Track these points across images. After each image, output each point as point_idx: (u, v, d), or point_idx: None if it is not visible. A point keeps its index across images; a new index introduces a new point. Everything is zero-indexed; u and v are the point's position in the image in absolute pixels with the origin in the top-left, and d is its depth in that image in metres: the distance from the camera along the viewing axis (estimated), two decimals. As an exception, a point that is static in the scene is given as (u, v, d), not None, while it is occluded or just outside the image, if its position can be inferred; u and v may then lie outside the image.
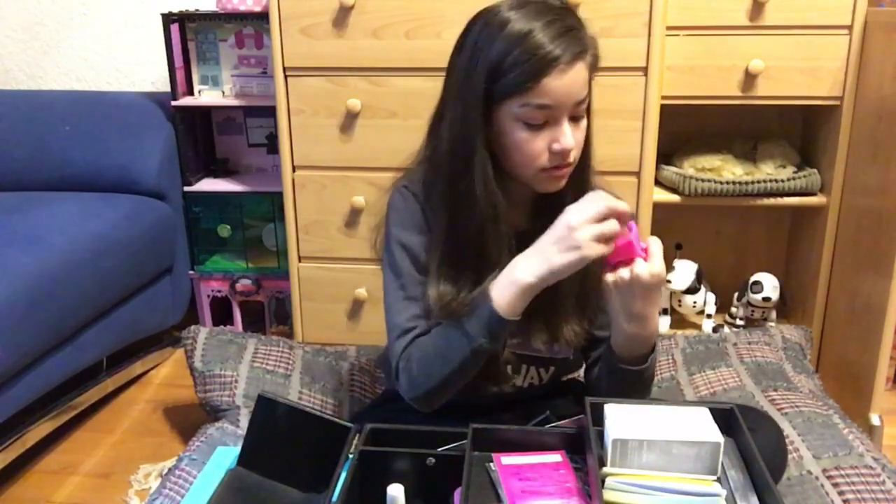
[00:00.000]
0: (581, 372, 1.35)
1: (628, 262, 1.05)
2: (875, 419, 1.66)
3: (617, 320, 1.11)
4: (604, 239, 1.02)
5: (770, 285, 1.95)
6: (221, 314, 2.28)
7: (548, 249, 1.04)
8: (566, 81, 1.04)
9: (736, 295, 2.02)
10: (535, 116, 1.06)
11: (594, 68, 1.10)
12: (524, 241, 1.12)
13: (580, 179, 1.16)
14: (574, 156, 1.11)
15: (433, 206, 1.17)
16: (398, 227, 1.19)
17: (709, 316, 1.98)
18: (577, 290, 1.20)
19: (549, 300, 1.18)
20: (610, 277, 1.06)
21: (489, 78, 1.05)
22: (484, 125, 1.08)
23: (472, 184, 1.10)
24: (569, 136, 1.07)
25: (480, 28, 1.07)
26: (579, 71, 1.06)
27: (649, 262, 1.04)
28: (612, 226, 1.02)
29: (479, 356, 1.10)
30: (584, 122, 1.11)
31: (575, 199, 1.11)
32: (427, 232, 1.18)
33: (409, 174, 1.22)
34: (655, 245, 1.06)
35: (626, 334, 1.12)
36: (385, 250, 1.22)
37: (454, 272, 1.14)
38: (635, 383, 1.17)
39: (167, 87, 2.11)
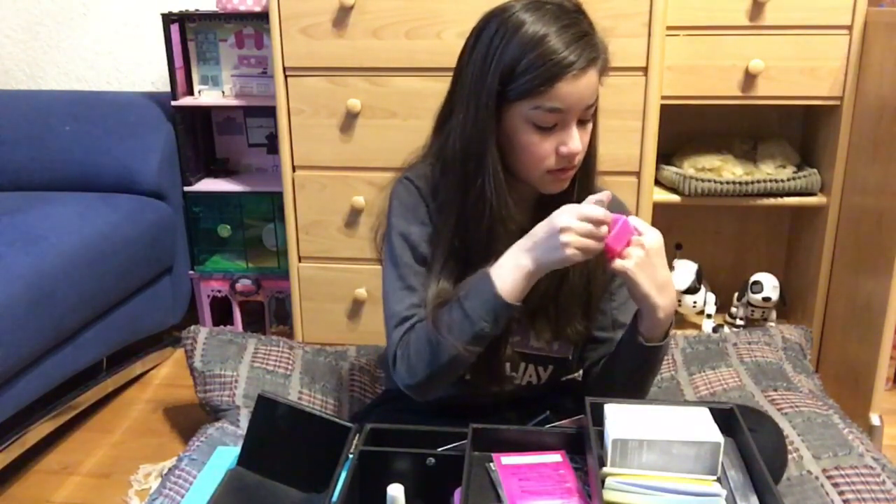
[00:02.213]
0: (580, 373, 1.35)
1: (629, 244, 1.07)
2: (875, 419, 1.66)
3: (646, 303, 1.09)
4: (586, 251, 1.04)
5: (770, 285, 1.95)
6: (221, 314, 2.28)
7: (540, 244, 1.06)
8: (579, 87, 1.05)
9: (736, 295, 2.02)
10: (546, 119, 1.07)
11: (604, 72, 1.11)
12: None
13: (585, 181, 1.17)
14: (580, 158, 1.12)
15: (440, 204, 1.17)
16: (400, 217, 1.19)
17: (709, 316, 1.98)
18: (583, 288, 1.21)
19: (554, 297, 1.19)
20: (630, 263, 1.06)
21: (503, 79, 1.06)
22: (495, 125, 1.09)
23: (483, 183, 1.10)
24: (576, 140, 1.09)
25: (495, 28, 1.08)
26: (591, 77, 1.07)
27: (646, 233, 1.07)
28: (597, 246, 1.04)
29: (480, 341, 1.10)
30: (590, 125, 1.13)
31: (579, 199, 1.11)
32: (429, 224, 1.18)
33: (413, 166, 1.23)
34: (634, 219, 1.09)
35: (661, 311, 1.10)
36: (385, 240, 1.22)
37: (460, 271, 1.15)
38: (657, 362, 1.18)
39: (167, 87, 2.11)
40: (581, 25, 1.07)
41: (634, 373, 1.18)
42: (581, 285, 1.20)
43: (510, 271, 1.08)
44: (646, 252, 1.06)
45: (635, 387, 1.19)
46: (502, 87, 1.06)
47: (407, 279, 1.17)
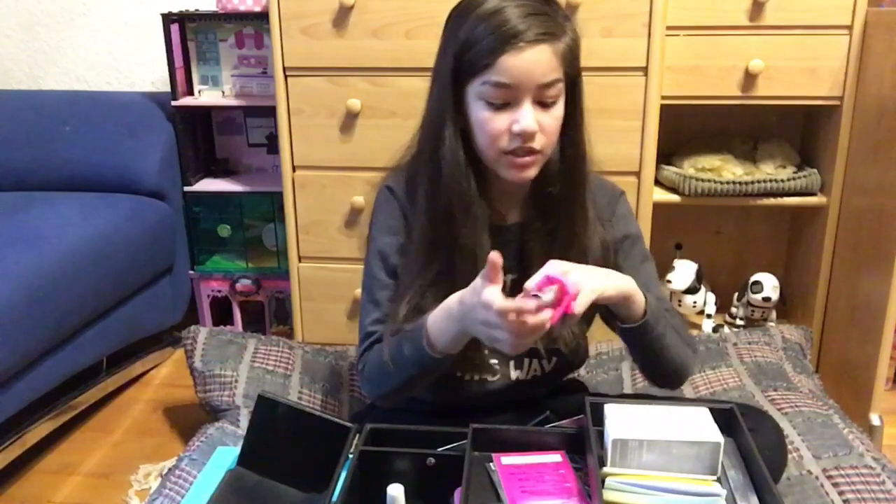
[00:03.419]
0: (582, 371, 1.35)
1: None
2: (875, 419, 1.66)
3: (614, 297, 1.05)
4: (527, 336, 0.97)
5: (770, 285, 1.95)
6: (221, 314, 2.28)
7: (476, 322, 0.99)
8: (525, 61, 1.02)
9: (736, 295, 2.02)
10: (496, 95, 1.05)
11: (568, 58, 1.06)
12: (521, 234, 1.12)
13: (573, 181, 1.14)
14: (541, 143, 1.07)
15: (415, 199, 1.16)
16: (375, 228, 1.21)
17: (709, 316, 1.98)
18: None
19: None
20: (579, 306, 0.97)
21: (456, 56, 1.06)
22: (454, 104, 1.09)
23: (440, 159, 1.09)
24: (527, 118, 1.04)
25: (459, 10, 1.09)
26: (542, 52, 1.03)
27: (575, 279, 0.98)
28: (538, 332, 0.96)
29: (426, 374, 1.11)
30: (556, 111, 1.08)
31: (569, 200, 1.09)
32: (402, 233, 1.18)
33: (396, 172, 1.23)
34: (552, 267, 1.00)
35: (622, 290, 1.05)
36: (366, 249, 1.23)
37: (429, 269, 1.13)
38: (656, 336, 1.11)
39: (167, 87, 2.10)
40: (542, 5, 1.05)
41: (644, 353, 1.14)
42: None
43: (444, 329, 1.06)
44: (575, 285, 0.96)
45: (658, 362, 1.14)
46: (457, 65, 1.06)
47: (373, 292, 1.19)
